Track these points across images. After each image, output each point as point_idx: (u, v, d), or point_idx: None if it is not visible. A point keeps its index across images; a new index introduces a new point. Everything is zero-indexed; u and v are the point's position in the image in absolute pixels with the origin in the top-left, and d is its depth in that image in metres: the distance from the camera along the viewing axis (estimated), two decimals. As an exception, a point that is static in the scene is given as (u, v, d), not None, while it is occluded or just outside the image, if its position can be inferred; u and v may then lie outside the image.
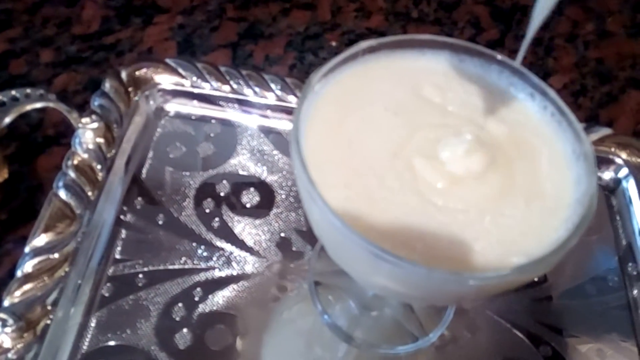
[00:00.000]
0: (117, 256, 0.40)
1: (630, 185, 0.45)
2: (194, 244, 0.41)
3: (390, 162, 0.29)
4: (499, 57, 0.32)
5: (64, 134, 0.45)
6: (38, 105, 0.39)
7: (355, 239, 0.25)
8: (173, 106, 0.47)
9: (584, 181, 0.28)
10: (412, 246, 0.26)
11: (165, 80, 0.47)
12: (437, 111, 0.31)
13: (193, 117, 0.47)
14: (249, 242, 0.41)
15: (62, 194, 0.39)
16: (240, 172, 0.45)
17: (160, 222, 0.42)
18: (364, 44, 0.32)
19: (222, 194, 0.44)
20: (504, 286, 0.25)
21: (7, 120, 0.37)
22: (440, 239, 0.26)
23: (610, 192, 0.46)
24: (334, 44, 0.55)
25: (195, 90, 0.47)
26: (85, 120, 0.42)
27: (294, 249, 0.42)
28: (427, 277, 0.24)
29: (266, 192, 0.44)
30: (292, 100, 0.47)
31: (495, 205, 0.28)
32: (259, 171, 0.45)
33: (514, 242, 0.26)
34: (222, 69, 0.48)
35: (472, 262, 0.25)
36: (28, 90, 0.39)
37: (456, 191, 0.28)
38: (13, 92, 0.38)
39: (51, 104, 0.39)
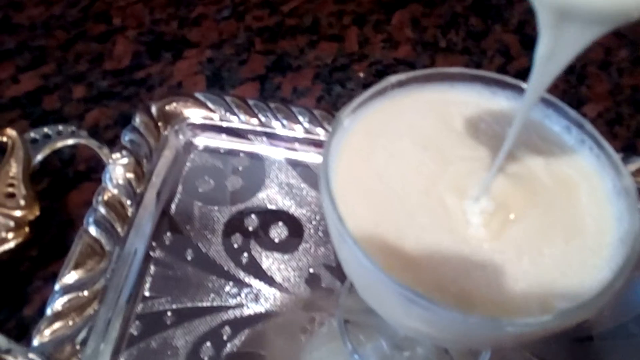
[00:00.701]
0: (146, 293, 0.40)
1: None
2: (223, 281, 0.40)
3: (421, 199, 0.28)
4: (533, 89, 0.32)
5: (95, 169, 0.45)
6: (70, 142, 0.40)
7: (386, 281, 0.24)
8: (202, 140, 0.48)
9: (626, 218, 0.27)
10: (446, 288, 0.25)
11: (194, 114, 0.47)
12: (469, 144, 0.31)
13: (222, 151, 0.47)
14: (278, 278, 0.41)
15: (92, 230, 0.39)
16: (269, 206, 0.45)
17: (189, 258, 0.41)
18: (393, 78, 0.32)
19: (250, 229, 0.43)
20: (544, 333, 0.24)
21: (40, 157, 0.37)
22: (476, 281, 0.25)
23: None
24: (361, 75, 0.55)
25: (224, 124, 0.47)
26: (115, 156, 0.42)
27: (323, 285, 0.41)
28: (463, 323, 0.23)
29: (295, 227, 0.44)
30: (319, 133, 0.47)
31: (533, 243, 0.27)
32: (287, 205, 0.45)
33: (555, 284, 0.25)
34: (250, 102, 0.48)
35: (510, 306, 0.24)
36: (60, 127, 0.39)
37: (493, 230, 0.27)
38: (45, 130, 0.39)
39: (82, 141, 0.40)
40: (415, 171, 0.29)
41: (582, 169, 0.30)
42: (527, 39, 0.58)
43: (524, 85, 0.32)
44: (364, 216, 0.27)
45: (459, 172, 0.29)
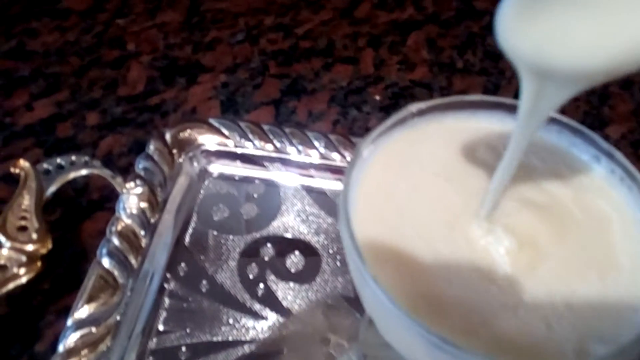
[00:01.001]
0: (160, 327, 0.39)
1: None
2: (238, 314, 0.39)
3: (445, 234, 0.27)
4: (558, 116, 0.30)
5: (109, 198, 0.44)
6: (83, 172, 0.39)
7: (411, 325, 0.23)
8: (217, 167, 0.47)
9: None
10: (474, 332, 0.24)
11: (208, 140, 0.47)
12: (492, 174, 0.29)
13: (236, 178, 0.47)
14: (294, 310, 0.40)
15: (106, 262, 0.39)
16: (285, 235, 0.44)
17: (204, 290, 0.40)
18: (414, 107, 0.31)
19: (266, 258, 0.42)
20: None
21: (52, 189, 0.37)
22: (506, 324, 0.24)
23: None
24: (377, 97, 0.54)
25: (239, 150, 0.46)
26: (129, 185, 0.42)
27: (341, 317, 0.40)
28: (494, 370, 0.22)
29: (311, 256, 0.42)
30: (336, 158, 0.46)
31: (565, 281, 0.25)
32: (304, 233, 0.44)
33: (590, 327, 0.24)
34: (265, 127, 0.47)
35: (543, 352, 0.23)
36: (73, 158, 0.39)
37: (521, 267, 0.26)
38: (58, 160, 0.38)
39: (96, 171, 0.39)
40: (438, 205, 0.28)
41: (614, 201, 0.28)
42: (547, 58, 0.57)
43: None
44: (386, 254, 0.26)
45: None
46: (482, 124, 0.32)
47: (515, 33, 0.19)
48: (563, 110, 0.30)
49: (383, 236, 0.27)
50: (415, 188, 0.29)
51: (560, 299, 0.25)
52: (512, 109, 0.31)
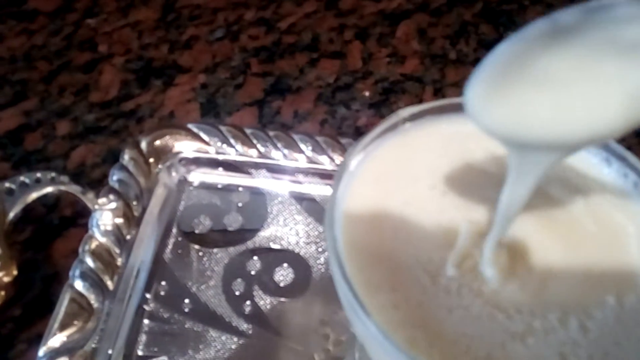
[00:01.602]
0: (140, 352, 0.36)
1: None
2: (224, 335, 0.37)
3: (443, 256, 0.24)
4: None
5: (82, 214, 0.41)
6: (49, 189, 0.36)
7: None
8: (197, 176, 0.44)
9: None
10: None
11: (187, 147, 0.44)
12: (493, 183, 0.27)
13: (219, 187, 0.44)
14: (285, 329, 0.37)
15: (79, 284, 0.36)
16: (272, 246, 0.41)
17: (187, 310, 0.38)
18: (404, 112, 0.28)
19: (252, 273, 0.39)
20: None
21: (16, 210, 0.34)
22: (515, 356, 0.21)
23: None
24: (367, 94, 0.51)
25: (220, 157, 0.44)
26: (102, 201, 0.39)
27: (335, 333, 0.37)
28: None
29: (301, 268, 0.40)
30: (324, 162, 0.43)
31: (579, 303, 0.23)
32: (293, 243, 0.41)
33: (608, 354, 0.21)
34: (248, 131, 0.44)
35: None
36: (38, 174, 0.36)
37: (530, 290, 0.23)
38: (22, 178, 0.35)
39: (63, 187, 0.36)
40: (434, 222, 0.25)
41: (628, 209, 0.26)
42: (543, 46, 0.54)
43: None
44: (378, 279, 0.23)
45: (484, 218, 0.25)
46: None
47: (485, 111, 0.20)
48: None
49: (375, 262, 0.24)
50: (408, 203, 0.26)
51: (575, 325, 0.22)
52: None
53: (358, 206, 0.26)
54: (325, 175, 0.43)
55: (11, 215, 0.33)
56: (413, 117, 0.28)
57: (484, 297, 0.23)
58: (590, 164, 0.27)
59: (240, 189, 0.44)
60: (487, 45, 0.54)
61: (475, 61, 0.53)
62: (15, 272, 0.33)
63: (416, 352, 0.21)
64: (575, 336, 0.22)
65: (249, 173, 0.44)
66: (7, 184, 0.35)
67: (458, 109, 0.28)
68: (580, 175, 0.27)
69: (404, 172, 0.27)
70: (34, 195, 0.35)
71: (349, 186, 0.26)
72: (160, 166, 0.43)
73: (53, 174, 0.36)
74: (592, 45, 0.18)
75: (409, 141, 0.28)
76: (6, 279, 0.33)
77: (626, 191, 0.26)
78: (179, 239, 0.41)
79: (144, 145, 0.43)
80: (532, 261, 0.24)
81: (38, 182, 0.36)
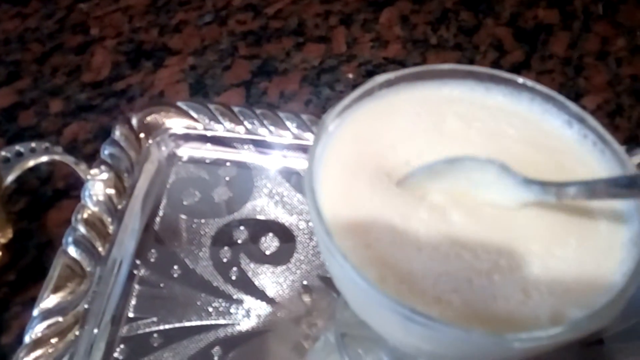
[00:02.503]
0: (131, 314, 0.37)
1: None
2: (212, 298, 0.38)
3: (414, 204, 0.26)
4: (529, 83, 0.30)
5: (75, 186, 0.43)
6: (44, 159, 0.38)
7: (381, 300, 0.22)
8: (186, 151, 0.46)
9: (636, 217, 0.25)
10: (447, 301, 0.23)
11: (176, 124, 0.45)
12: (464, 145, 0.29)
13: (207, 161, 0.45)
14: (270, 292, 0.39)
15: (72, 250, 0.37)
16: (258, 217, 0.42)
17: (175, 275, 0.39)
18: (381, 78, 0.30)
19: (239, 241, 0.41)
20: (555, 346, 0.22)
21: (11, 177, 0.35)
22: (480, 291, 0.23)
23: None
24: (350, 76, 0.53)
25: (209, 133, 0.45)
26: (94, 171, 0.40)
27: (318, 297, 0.39)
28: (466, 340, 0.21)
29: (286, 237, 0.42)
30: (309, 138, 0.45)
31: (544, 245, 0.24)
32: (278, 214, 0.43)
33: (567, 291, 0.23)
34: (236, 109, 0.46)
35: (519, 319, 0.22)
36: (33, 144, 0.37)
37: (496, 231, 0.25)
38: (17, 147, 0.37)
39: (57, 157, 0.38)
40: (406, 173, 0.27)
41: (587, 165, 0.28)
42: (520, 31, 0.56)
43: (519, 79, 0.30)
44: (354, 229, 0.25)
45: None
46: (453, 94, 0.31)
47: None
48: (537, 82, 0.29)
49: (351, 209, 0.26)
50: (383, 163, 0.28)
51: (538, 264, 0.24)
52: (482, 78, 0.30)
53: (336, 164, 0.27)
54: (309, 151, 0.45)
55: (8, 180, 0.35)
56: (389, 83, 0.30)
57: (451, 238, 0.25)
58: (553, 127, 0.29)
59: (228, 163, 0.45)
60: (467, 32, 0.57)
61: (455, 46, 0.56)
62: (10, 235, 0.35)
63: (386, 289, 0.23)
64: (538, 272, 0.24)
65: (236, 148, 0.45)
66: (3, 153, 0.36)
67: (432, 75, 0.31)
68: (546, 137, 0.29)
69: (380, 135, 0.29)
70: (30, 163, 0.36)
71: (328, 146, 0.28)
72: (150, 141, 0.45)
73: (47, 144, 0.38)
74: None
75: (385, 106, 0.30)
76: (2, 241, 0.34)
77: (586, 149, 0.28)
78: (168, 209, 0.43)
79: (134, 121, 0.45)
80: (501, 207, 0.26)
81: (33, 152, 0.37)
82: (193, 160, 0.45)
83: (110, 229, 0.39)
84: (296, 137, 0.45)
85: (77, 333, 0.35)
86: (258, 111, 0.46)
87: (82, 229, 0.38)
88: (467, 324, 0.22)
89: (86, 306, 0.36)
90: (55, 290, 0.36)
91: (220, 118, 0.45)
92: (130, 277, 0.39)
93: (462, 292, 0.23)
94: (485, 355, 0.24)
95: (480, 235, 0.24)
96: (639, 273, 0.23)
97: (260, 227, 0.42)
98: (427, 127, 0.30)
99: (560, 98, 0.29)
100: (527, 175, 0.25)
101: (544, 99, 0.30)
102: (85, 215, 0.39)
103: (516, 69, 0.53)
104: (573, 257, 0.24)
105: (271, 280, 0.39)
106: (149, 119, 0.45)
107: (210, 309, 0.38)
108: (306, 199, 0.25)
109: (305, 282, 0.39)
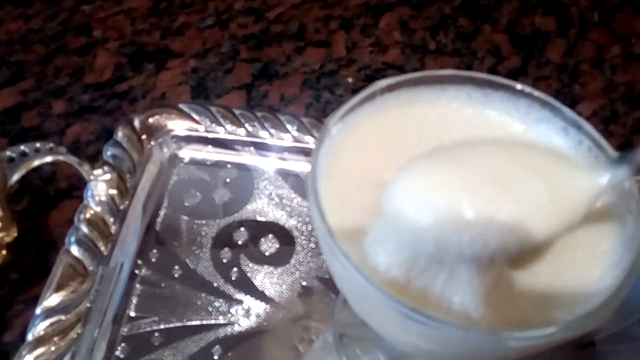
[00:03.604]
0: (132, 313, 0.38)
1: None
2: (212, 297, 0.39)
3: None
4: (527, 89, 0.30)
5: (77, 187, 0.43)
6: (48, 159, 0.38)
7: (381, 298, 0.23)
8: (187, 152, 0.46)
9: (630, 221, 0.26)
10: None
11: (178, 126, 0.46)
12: (465, 152, 0.29)
13: (208, 163, 0.46)
14: (270, 293, 0.39)
15: (74, 250, 0.38)
16: (258, 218, 0.43)
17: (176, 275, 0.40)
18: (382, 83, 0.30)
19: (240, 242, 0.42)
20: (549, 345, 0.23)
21: (16, 177, 0.36)
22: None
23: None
24: (350, 80, 0.54)
25: (210, 135, 0.46)
26: (97, 172, 0.41)
27: (316, 298, 0.39)
28: (464, 338, 0.22)
29: (286, 239, 0.42)
30: (309, 141, 0.46)
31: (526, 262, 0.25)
32: (278, 216, 0.43)
33: (557, 296, 0.24)
34: (237, 111, 0.46)
35: (514, 320, 0.23)
36: (37, 145, 0.38)
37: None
38: (22, 147, 0.37)
39: (61, 157, 0.38)
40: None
41: (583, 171, 0.28)
42: (518, 38, 0.57)
43: (518, 85, 0.30)
44: (356, 232, 0.26)
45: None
46: (453, 100, 0.31)
47: None
48: (534, 88, 0.30)
49: (353, 212, 0.26)
50: (387, 165, 0.28)
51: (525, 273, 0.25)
52: (482, 83, 0.31)
53: (339, 166, 0.28)
54: (309, 154, 0.45)
55: (13, 179, 0.35)
56: (390, 88, 0.30)
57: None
58: (549, 134, 0.30)
59: (229, 165, 0.46)
60: (465, 37, 0.57)
61: (454, 52, 0.56)
62: (15, 234, 0.35)
63: (384, 286, 0.23)
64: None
65: (237, 150, 0.46)
66: (8, 153, 0.37)
67: (432, 81, 0.31)
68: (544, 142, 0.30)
69: (382, 138, 0.29)
70: (35, 162, 0.37)
71: (331, 149, 0.28)
72: (152, 143, 0.45)
73: (51, 145, 0.38)
74: None
75: (386, 110, 0.30)
76: (7, 239, 0.34)
77: (580, 156, 0.29)
78: (170, 210, 0.43)
79: (137, 123, 0.45)
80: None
81: (37, 152, 0.38)
82: (194, 162, 0.46)
83: (113, 229, 0.40)
84: (296, 139, 0.46)
85: (79, 332, 0.36)
86: (259, 114, 0.46)
87: (84, 229, 0.39)
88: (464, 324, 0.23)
89: (88, 305, 0.37)
90: (58, 289, 0.36)
91: (221, 120, 0.46)
92: (132, 276, 0.39)
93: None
94: (481, 354, 0.25)
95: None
96: (632, 275, 0.24)
97: (260, 229, 0.43)
98: (428, 131, 0.30)
99: (557, 104, 0.30)
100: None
101: (541, 105, 0.30)
102: (87, 215, 0.40)
103: (513, 75, 0.54)
104: (559, 265, 0.25)
105: (271, 280, 0.40)
106: (151, 120, 0.46)
107: (211, 309, 0.38)
108: (308, 199, 0.26)
109: (304, 283, 0.40)
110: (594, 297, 0.24)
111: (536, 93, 0.30)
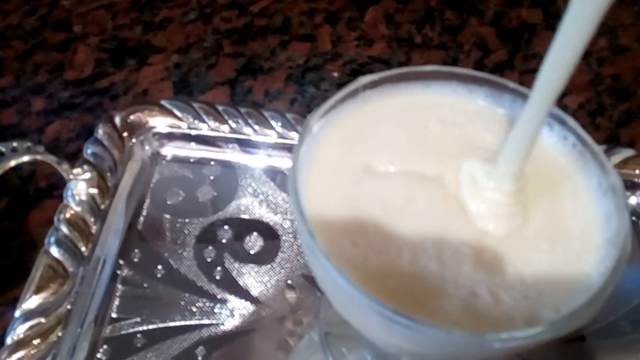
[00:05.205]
0: (114, 315, 0.37)
1: (659, 209, 0.42)
2: (196, 297, 0.38)
3: (402, 210, 0.26)
4: (511, 85, 0.30)
5: (57, 186, 0.43)
6: (25, 158, 0.37)
7: (363, 300, 0.22)
8: (170, 150, 0.45)
9: (615, 218, 0.26)
10: (423, 305, 0.23)
11: (160, 123, 0.45)
12: (447, 149, 0.29)
13: (191, 160, 0.45)
14: (254, 291, 0.39)
15: (54, 251, 0.37)
16: (243, 216, 0.43)
17: (159, 275, 0.39)
18: (365, 79, 0.30)
19: (224, 241, 0.41)
20: (534, 345, 0.22)
21: (-7, 177, 0.35)
22: (454, 297, 0.23)
23: (638, 217, 0.43)
24: (335, 74, 0.53)
25: (193, 132, 0.45)
26: (76, 171, 0.40)
27: (302, 296, 0.39)
28: (447, 340, 0.22)
29: (270, 236, 0.42)
30: (294, 137, 0.45)
31: (517, 251, 0.25)
32: (262, 214, 0.43)
33: (542, 294, 0.24)
34: (220, 107, 0.46)
35: (497, 320, 0.23)
36: (14, 144, 0.37)
37: (473, 239, 0.25)
38: (-1, 147, 0.36)
39: (39, 157, 0.38)
40: (396, 182, 0.27)
41: (565, 169, 0.28)
42: (504, 31, 0.57)
43: (503, 81, 0.30)
44: (337, 230, 0.25)
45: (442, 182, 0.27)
46: (437, 97, 0.31)
47: None
48: (520, 82, 0.30)
49: (335, 212, 0.26)
50: (367, 164, 0.28)
51: (512, 269, 0.24)
52: (466, 79, 0.31)
53: (320, 164, 0.27)
54: (294, 150, 0.45)
55: (-11, 180, 0.35)
56: (373, 85, 0.30)
57: (432, 241, 0.25)
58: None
59: (212, 162, 0.45)
60: (451, 31, 0.57)
61: (440, 45, 0.56)
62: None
63: (368, 290, 0.23)
64: (511, 280, 0.24)
65: (220, 147, 0.45)
66: (-17, 152, 0.36)
67: (415, 77, 0.31)
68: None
69: (364, 137, 0.29)
70: (12, 163, 0.36)
71: (312, 147, 0.28)
72: (133, 140, 0.44)
73: (29, 144, 0.37)
74: None
75: (369, 107, 0.30)
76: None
77: (564, 152, 0.28)
78: (152, 209, 0.42)
79: (117, 120, 0.44)
80: (479, 218, 0.26)
81: (14, 152, 0.37)
82: (177, 160, 0.45)
83: (93, 228, 0.39)
84: (281, 136, 0.45)
85: (59, 334, 0.35)
86: (243, 110, 0.46)
87: (64, 229, 0.38)
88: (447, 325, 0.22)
89: (69, 307, 0.36)
90: (38, 291, 0.36)
91: (204, 117, 0.45)
92: (114, 277, 0.39)
93: (438, 298, 0.23)
94: (466, 355, 0.25)
95: (458, 242, 0.25)
96: (617, 273, 0.23)
97: (244, 227, 0.42)
98: (410, 129, 0.30)
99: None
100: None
101: (525, 101, 0.30)
102: (67, 215, 0.39)
103: (499, 68, 0.53)
104: (546, 262, 0.25)
105: (255, 279, 0.39)
106: (132, 117, 0.45)
107: (194, 309, 0.38)
108: (290, 199, 0.25)
109: (289, 281, 0.39)
110: (580, 294, 0.23)
111: (520, 89, 0.30)
